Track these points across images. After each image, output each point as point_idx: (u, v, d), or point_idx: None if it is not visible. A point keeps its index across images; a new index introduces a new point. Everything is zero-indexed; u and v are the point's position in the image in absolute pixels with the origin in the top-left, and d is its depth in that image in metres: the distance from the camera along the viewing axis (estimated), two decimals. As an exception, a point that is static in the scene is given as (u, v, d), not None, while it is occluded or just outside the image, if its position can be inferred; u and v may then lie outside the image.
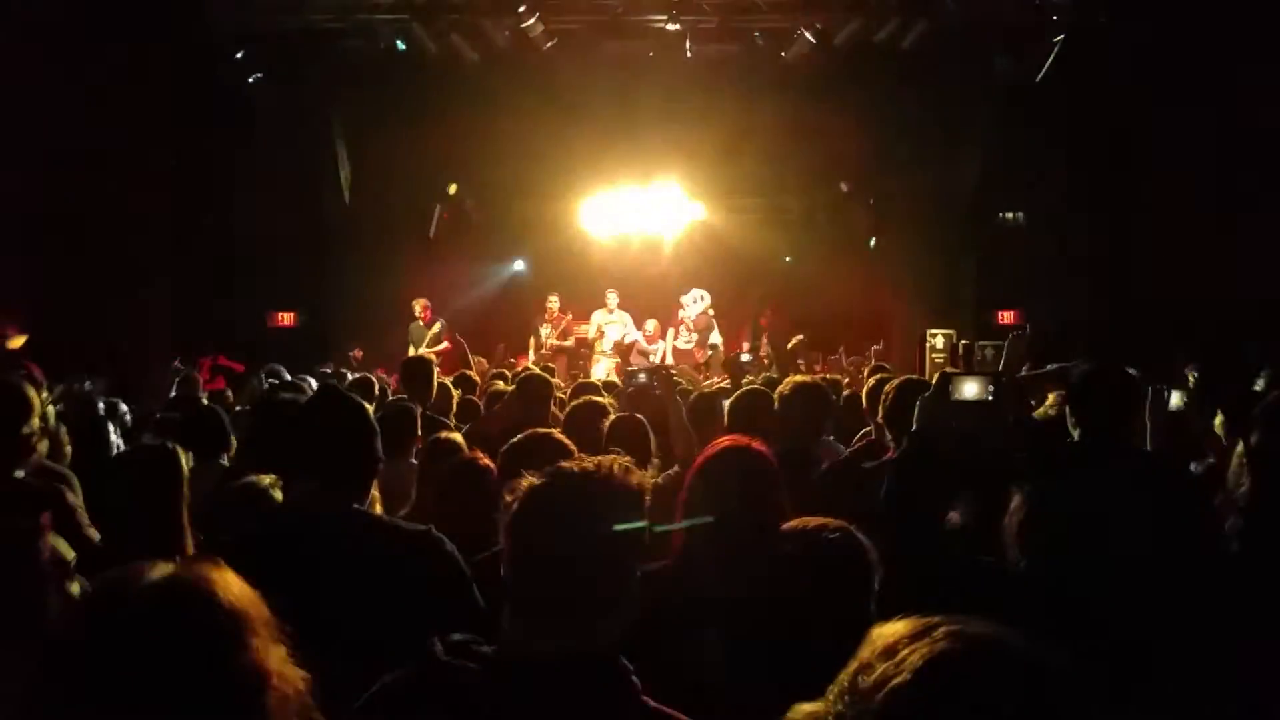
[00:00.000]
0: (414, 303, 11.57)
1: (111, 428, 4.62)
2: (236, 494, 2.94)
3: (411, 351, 11.04)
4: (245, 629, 1.22)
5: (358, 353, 11.26)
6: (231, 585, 1.25)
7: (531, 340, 12.18)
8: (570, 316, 12.34)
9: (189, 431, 3.91)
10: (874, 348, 11.96)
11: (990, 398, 2.83)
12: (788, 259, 14.38)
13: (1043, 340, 9.80)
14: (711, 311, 12.33)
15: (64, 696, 1.16)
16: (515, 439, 2.94)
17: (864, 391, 4.80)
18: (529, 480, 1.56)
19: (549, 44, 10.30)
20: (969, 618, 0.93)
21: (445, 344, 11.13)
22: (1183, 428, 3.60)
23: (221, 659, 1.19)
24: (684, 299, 12.31)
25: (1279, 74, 8.62)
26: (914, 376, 4.87)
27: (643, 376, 5.03)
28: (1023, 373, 4.25)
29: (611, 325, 12.17)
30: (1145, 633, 2.24)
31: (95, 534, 2.89)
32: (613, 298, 12.24)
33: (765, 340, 12.05)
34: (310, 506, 2.37)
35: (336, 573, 2.11)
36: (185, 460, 2.92)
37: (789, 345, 10.85)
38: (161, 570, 1.24)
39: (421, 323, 11.48)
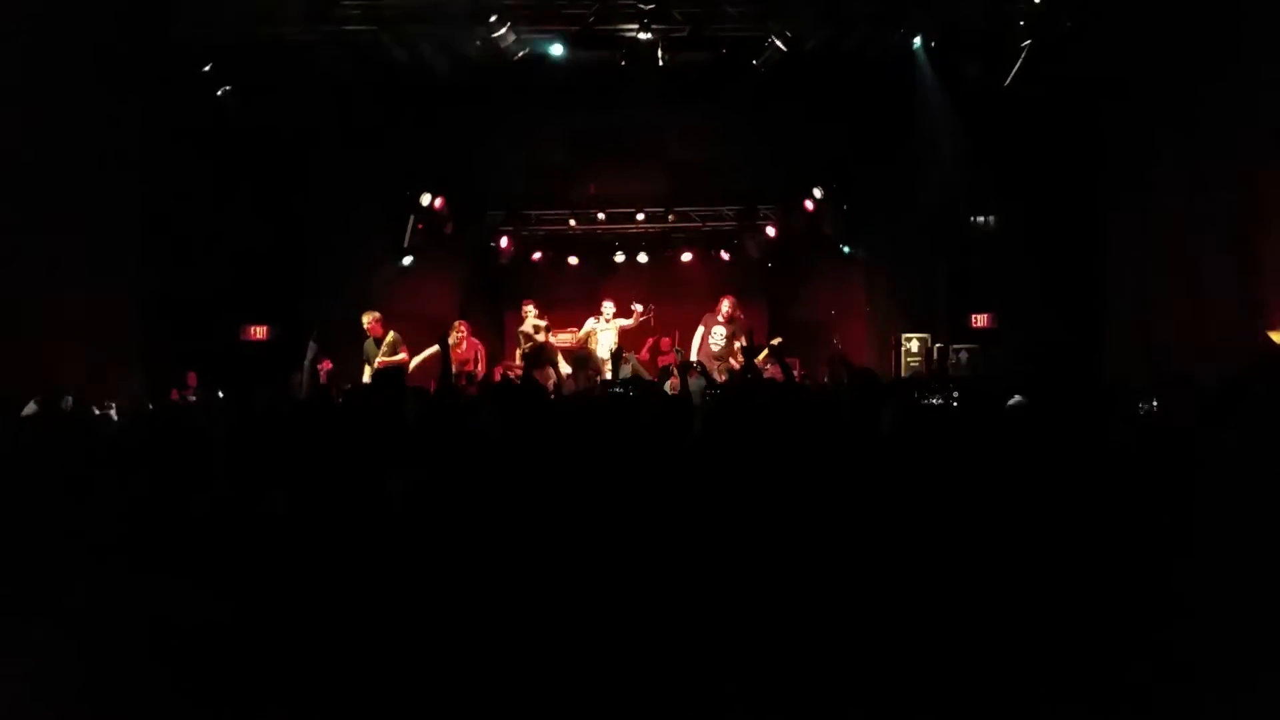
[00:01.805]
0: (363, 316, 11.07)
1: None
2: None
3: (367, 370, 10.92)
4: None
5: (326, 364, 11.13)
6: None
7: (518, 351, 12.08)
8: (546, 323, 12.30)
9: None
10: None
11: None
12: (769, 265, 14.45)
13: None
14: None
15: None
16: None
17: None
18: None
19: (521, 54, 10.28)
20: None
21: (403, 354, 11.00)
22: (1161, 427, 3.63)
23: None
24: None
25: (1250, 78, 8.72)
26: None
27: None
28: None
29: (606, 333, 12.12)
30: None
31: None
32: (609, 307, 12.19)
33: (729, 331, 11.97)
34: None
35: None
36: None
37: (765, 349, 10.86)
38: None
39: (372, 337, 11.07)
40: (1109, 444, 3.07)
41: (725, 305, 12.09)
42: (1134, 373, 8.42)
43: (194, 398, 10.26)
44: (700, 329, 12.07)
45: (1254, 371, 5.05)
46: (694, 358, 11.88)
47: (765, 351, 11.08)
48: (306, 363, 7.76)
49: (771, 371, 10.38)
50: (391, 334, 11.10)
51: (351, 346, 11.44)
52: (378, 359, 10.91)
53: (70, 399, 7.08)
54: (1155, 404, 3.74)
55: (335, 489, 3.05)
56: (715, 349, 11.82)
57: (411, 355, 10.91)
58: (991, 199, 12.38)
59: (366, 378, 10.81)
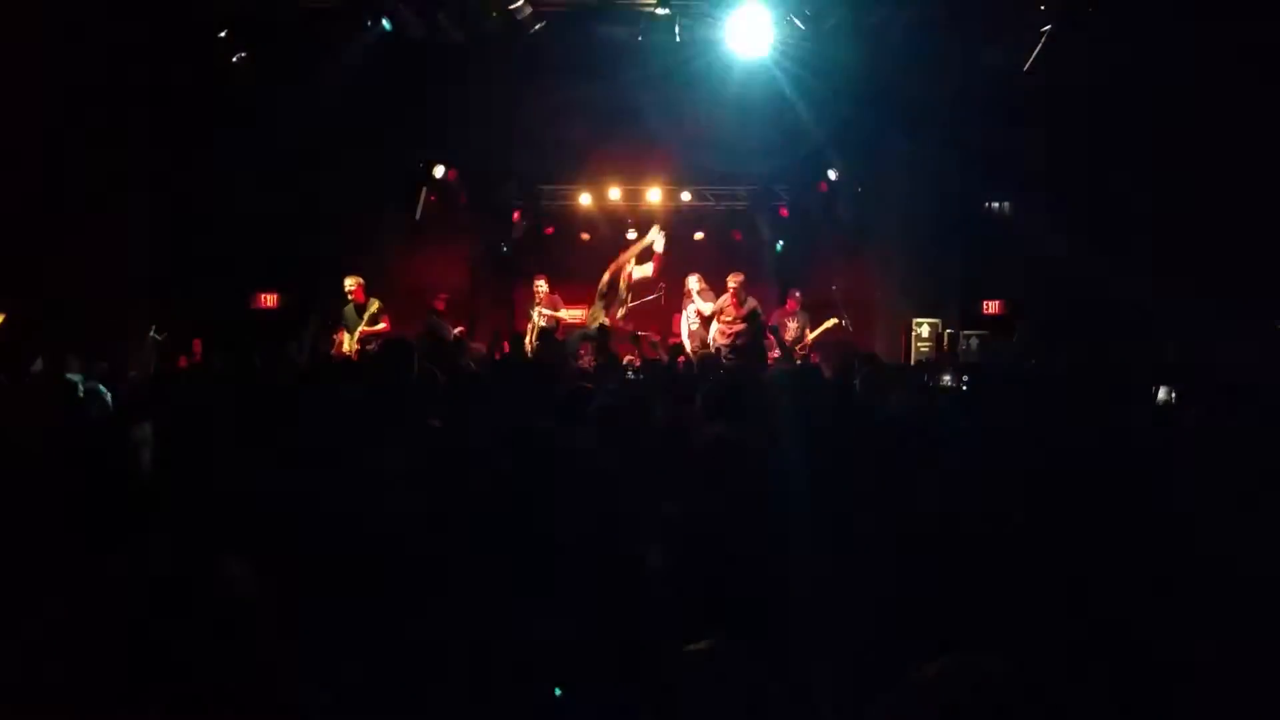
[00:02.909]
0: (345, 280, 11.03)
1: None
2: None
3: (347, 339, 10.91)
4: (255, 616, 1.26)
5: (340, 335, 11.16)
6: (244, 575, 1.29)
7: (530, 326, 12.01)
8: (559, 303, 12.21)
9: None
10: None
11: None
12: (779, 245, 14.39)
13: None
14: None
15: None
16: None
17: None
18: None
19: (537, 26, 10.21)
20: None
21: (384, 324, 10.99)
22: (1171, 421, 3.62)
23: (236, 643, 1.23)
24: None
25: (1266, 64, 8.62)
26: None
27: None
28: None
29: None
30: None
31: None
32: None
33: (799, 322, 11.91)
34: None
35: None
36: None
37: (823, 327, 10.93)
38: (181, 554, 1.25)
39: (355, 302, 11.04)
40: (1126, 432, 3.05)
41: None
42: (1146, 362, 8.38)
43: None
44: (684, 313, 12.11)
45: (1265, 364, 5.02)
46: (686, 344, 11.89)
47: (834, 322, 11.13)
48: (308, 335, 7.76)
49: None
50: (375, 303, 11.08)
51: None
52: (359, 327, 10.90)
53: (76, 361, 7.10)
54: (1172, 395, 3.72)
55: (335, 463, 3.03)
56: (693, 327, 11.83)
57: (392, 325, 10.90)
58: (1006, 184, 12.31)
59: (347, 346, 10.83)
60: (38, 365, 5.90)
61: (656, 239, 12.18)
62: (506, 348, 10.63)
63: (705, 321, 11.94)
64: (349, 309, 11.07)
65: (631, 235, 13.25)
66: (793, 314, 11.91)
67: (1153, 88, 10.14)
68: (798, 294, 12.18)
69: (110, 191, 10.00)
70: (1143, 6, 9.72)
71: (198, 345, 10.65)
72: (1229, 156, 9.22)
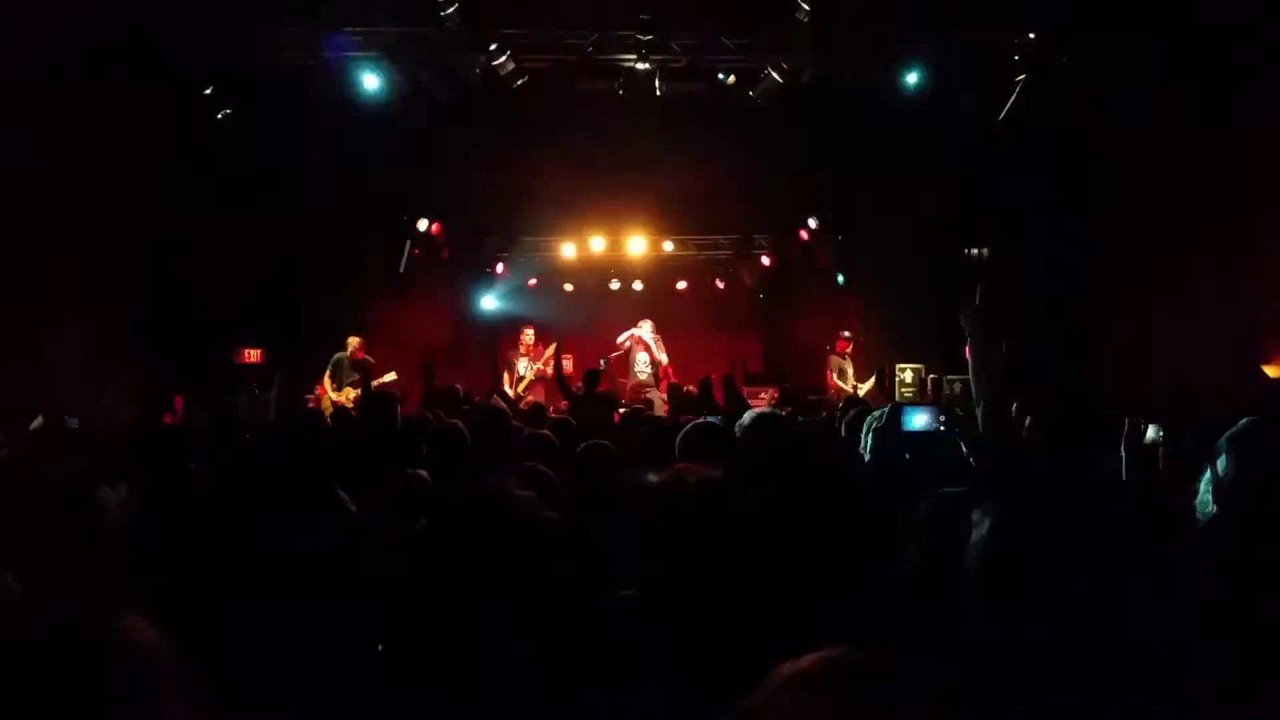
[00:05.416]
0: (349, 340, 11.12)
1: None
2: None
3: (332, 393, 10.88)
4: (149, 678, 1.12)
5: (321, 391, 11.11)
6: (139, 630, 1.15)
7: (505, 375, 11.88)
8: (555, 346, 12.03)
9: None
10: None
11: (941, 428, 2.82)
12: (760, 295, 14.49)
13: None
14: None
15: None
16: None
17: (843, 425, 4.85)
18: None
19: (520, 82, 10.34)
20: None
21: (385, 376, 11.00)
22: (1156, 459, 3.64)
23: (120, 709, 1.09)
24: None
25: (1238, 111, 8.79)
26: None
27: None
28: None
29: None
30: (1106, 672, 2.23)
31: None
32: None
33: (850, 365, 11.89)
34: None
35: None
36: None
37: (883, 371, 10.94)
38: (59, 611, 1.15)
39: (354, 360, 11.06)
40: (1111, 476, 3.07)
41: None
42: (1130, 406, 8.42)
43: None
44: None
45: (1252, 407, 5.05)
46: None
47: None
48: (273, 393, 7.74)
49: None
50: (368, 359, 11.10)
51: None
52: (375, 383, 10.89)
53: (77, 420, 7.04)
54: (1160, 434, 3.75)
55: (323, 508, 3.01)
56: (644, 375, 11.77)
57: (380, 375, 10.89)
58: (984, 231, 12.45)
59: (336, 398, 10.79)
60: (38, 422, 5.83)
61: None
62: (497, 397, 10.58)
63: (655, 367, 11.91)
64: (345, 364, 11.06)
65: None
66: (844, 355, 11.93)
67: (1127, 134, 10.33)
68: (848, 335, 12.16)
69: (93, 246, 9.98)
70: (1114, 55, 9.92)
71: (179, 402, 10.57)
72: (1207, 199, 9.35)
